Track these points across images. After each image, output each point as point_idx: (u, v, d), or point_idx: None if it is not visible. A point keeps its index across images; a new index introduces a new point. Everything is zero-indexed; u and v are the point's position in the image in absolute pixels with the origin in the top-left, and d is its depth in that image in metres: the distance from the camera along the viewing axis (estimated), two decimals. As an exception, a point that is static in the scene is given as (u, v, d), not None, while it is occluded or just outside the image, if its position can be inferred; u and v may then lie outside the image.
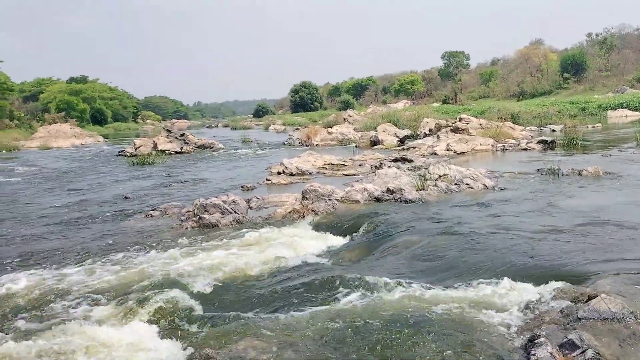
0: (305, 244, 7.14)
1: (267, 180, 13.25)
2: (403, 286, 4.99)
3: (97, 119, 64.21)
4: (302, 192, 9.50)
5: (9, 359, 4.05)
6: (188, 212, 9.43)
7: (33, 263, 6.85)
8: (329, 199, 9.09)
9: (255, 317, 4.63)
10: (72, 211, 10.71)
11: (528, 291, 4.63)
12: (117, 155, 25.06)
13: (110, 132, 58.14)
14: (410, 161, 13.67)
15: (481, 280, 5.00)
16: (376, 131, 24.21)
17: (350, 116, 36.61)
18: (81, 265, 6.56)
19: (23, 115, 50.09)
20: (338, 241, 7.35)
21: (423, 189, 9.61)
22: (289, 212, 8.85)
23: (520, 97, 54.67)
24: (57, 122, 47.40)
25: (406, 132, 23.83)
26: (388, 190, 9.42)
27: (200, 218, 8.63)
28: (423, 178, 10.06)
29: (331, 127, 29.34)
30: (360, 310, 4.52)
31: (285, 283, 5.40)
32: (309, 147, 23.84)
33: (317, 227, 8.08)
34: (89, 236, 8.37)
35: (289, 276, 5.74)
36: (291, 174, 14.09)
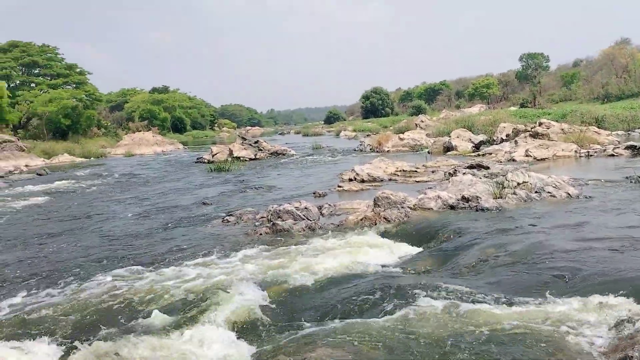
0: (377, 252, 7.08)
1: (339, 187, 13.29)
2: (480, 299, 4.81)
3: (177, 127, 67.27)
4: (374, 199, 9.43)
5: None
6: (262, 218, 9.64)
7: (116, 265, 7.25)
8: (402, 207, 8.97)
9: (328, 325, 4.63)
10: (154, 216, 11.25)
11: (619, 308, 4.32)
12: (196, 162, 26.09)
13: (189, 140, 60.67)
14: (487, 168, 13.22)
15: (566, 295, 4.73)
16: (450, 137, 23.66)
17: (422, 121, 36.04)
18: (159, 269, 6.85)
19: (110, 124, 53.45)
20: (411, 250, 7.23)
21: (501, 197, 9.25)
22: (361, 220, 8.82)
23: (605, 99, 51.47)
24: (140, 130, 50.19)
25: (481, 137, 23.10)
26: (463, 198, 9.16)
27: (273, 224, 8.78)
28: (501, 185, 9.69)
29: (403, 133, 29.02)
30: (435, 321, 4.41)
31: (357, 291, 5.36)
32: (380, 153, 23.70)
33: (389, 235, 7.99)
34: (169, 240, 8.75)
35: (361, 284, 5.70)
36: (362, 181, 14.05)
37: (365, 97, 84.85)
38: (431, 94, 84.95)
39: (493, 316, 4.44)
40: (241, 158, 25.59)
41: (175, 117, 66.54)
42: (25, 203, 14.06)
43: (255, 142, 28.46)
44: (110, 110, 61.74)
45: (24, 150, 31.54)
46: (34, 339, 4.76)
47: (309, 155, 26.84)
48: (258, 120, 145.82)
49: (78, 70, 53.52)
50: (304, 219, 9.08)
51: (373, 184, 13.69)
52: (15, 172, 25.05)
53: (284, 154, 27.55)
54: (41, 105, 40.25)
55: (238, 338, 4.59)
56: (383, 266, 6.40)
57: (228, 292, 5.49)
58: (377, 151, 25.34)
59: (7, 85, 42.79)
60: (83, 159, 33.49)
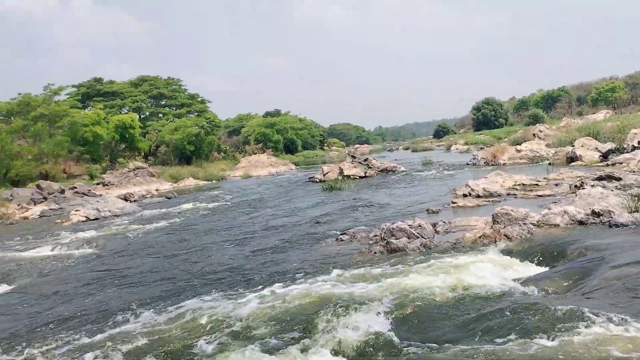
0: (498, 271, 6.75)
1: (453, 203, 12.90)
2: (623, 325, 4.37)
3: (289, 148, 69.79)
4: (493, 215, 9.02)
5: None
6: (375, 236, 9.62)
7: (234, 283, 7.62)
8: (524, 223, 8.48)
9: (455, 349, 4.47)
10: (270, 235, 11.69)
11: None
12: (308, 182, 26.80)
13: (301, 160, 62.54)
14: (618, 179, 12.09)
15: None
16: (573, 146, 22.02)
17: (541, 131, 33.92)
18: (276, 288, 7.06)
19: (228, 148, 56.75)
20: (536, 269, 6.79)
21: (637, 211, 8.41)
22: (479, 237, 8.47)
23: None
24: (256, 153, 52.74)
25: (609, 145, 21.20)
26: (593, 212, 8.46)
27: (387, 242, 8.72)
28: (636, 198, 8.81)
29: (519, 144, 27.56)
30: (567, 348, 4.08)
31: (481, 313, 5.13)
32: (496, 166, 22.68)
33: (510, 253, 7.59)
34: (284, 259, 9.04)
35: (482, 305, 5.45)
36: (478, 196, 13.51)
37: (477, 109, 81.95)
38: (549, 102, 79.82)
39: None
40: (351, 176, 25.83)
41: (287, 138, 69.08)
42: (157, 225, 15.30)
43: (365, 160, 28.60)
44: (229, 135, 65.63)
45: (154, 176, 34.46)
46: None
47: (419, 171, 26.42)
48: (366, 137, 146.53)
49: (199, 99, 57.81)
50: (418, 237, 8.92)
51: (490, 199, 13.12)
52: (148, 195, 27.40)
53: (393, 171, 27.37)
54: (168, 134, 43.88)
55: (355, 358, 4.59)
56: (506, 287, 6.07)
57: (346, 313, 5.52)
58: (491, 164, 24.28)
59: (138, 117, 47.28)
60: (206, 182, 35.84)
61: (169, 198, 25.20)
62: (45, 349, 5.61)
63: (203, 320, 6.00)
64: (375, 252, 8.55)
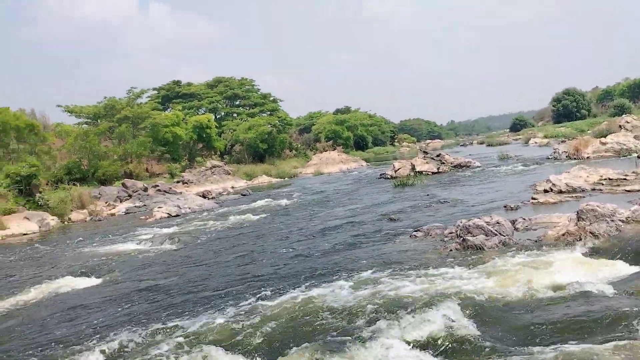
0: (584, 271, 6.43)
1: (533, 199, 12.38)
2: None
3: (360, 145, 69.66)
4: (577, 212, 8.58)
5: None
6: (450, 233, 9.44)
7: (307, 278, 7.73)
8: (611, 220, 8.01)
9: (537, 350, 4.33)
10: (342, 231, 11.76)
11: None
12: (379, 178, 26.66)
13: (371, 156, 62.26)
14: None
15: None
16: (666, 138, 20.45)
17: (628, 122, 31.74)
18: (347, 283, 7.11)
19: (299, 145, 57.56)
20: (627, 269, 6.41)
21: None
22: (562, 235, 8.09)
23: None
24: (326, 150, 53.09)
25: None
26: (691, 209, 7.84)
27: (463, 240, 8.54)
28: None
29: (604, 137, 25.92)
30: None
31: (565, 313, 4.92)
32: (579, 160, 21.50)
33: (597, 251, 7.21)
34: (357, 255, 9.06)
35: (569, 306, 5.22)
36: (560, 192, 12.89)
37: (557, 100, 77.86)
38: (636, 91, 74.52)
39: None
40: (423, 172, 25.43)
41: (357, 135, 68.99)
42: (234, 221, 15.80)
43: (437, 156, 28.05)
44: (300, 133, 66.53)
45: (229, 174, 35.58)
46: (236, 351, 5.33)
47: (495, 166, 25.54)
48: (438, 132, 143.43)
49: (271, 98, 59.01)
50: (496, 234, 8.65)
51: (573, 195, 12.47)
52: (224, 193, 28.38)
53: (467, 166, 26.63)
54: (242, 133, 45.13)
55: (435, 357, 4.54)
56: (595, 287, 5.77)
57: (420, 309, 5.47)
58: (574, 158, 23.04)
59: (214, 117, 48.98)
60: (278, 179, 36.57)
61: (244, 195, 25.95)
62: (131, 337, 5.97)
63: (284, 313, 6.18)
64: (450, 250, 8.39)
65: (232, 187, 31.51)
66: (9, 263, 12.27)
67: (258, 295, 7.11)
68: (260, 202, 20.28)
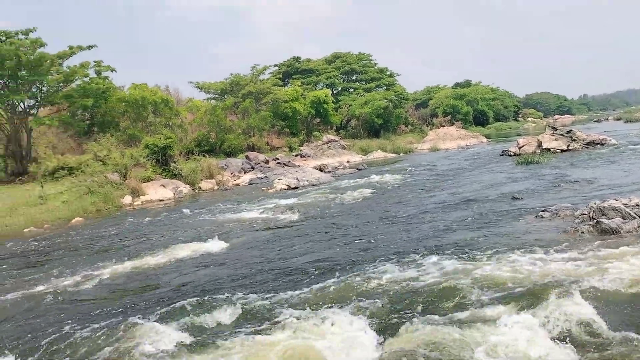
0: None
1: (681, 181, 11.12)
2: None
3: (480, 120, 66.74)
4: None
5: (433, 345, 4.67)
6: (582, 214, 8.83)
7: (428, 252, 7.68)
8: None
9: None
10: (462, 209, 11.47)
11: None
12: (501, 155, 25.45)
13: (492, 132, 59.48)
14: None
15: None
16: None
17: None
18: (467, 261, 6.96)
19: (416, 121, 56.52)
20: None
21: None
22: None
23: None
24: (443, 125, 51.63)
25: None
26: None
27: (597, 222, 7.95)
28: None
29: None
30: None
31: None
32: None
33: None
34: (478, 233, 8.81)
35: None
36: None
37: None
38: None
39: None
40: (551, 149, 23.81)
41: (477, 110, 66.14)
42: (351, 194, 16.05)
43: (568, 132, 26.04)
44: (416, 108, 65.22)
45: (345, 148, 36.04)
46: (351, 314, 5.50)
47: (634, 144, 23.18)
48: (568, 107, 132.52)
49: (388, 73, 58.36)
50: (635, 218, 7.94)
51: None
52: (340, 167, 28.86)
53: (602, 144, 24.45)
54: (358, 108, 45.33)
55: (563, 342, 4.35)
56: None
57: (550, 294, 5.23)
58: None
59: (331, 92, 49.64)
60: (393, 155, 36.35)
61: (359, 170, 26.19)
62: (258, 297, 6.40)
63: (402, 286, 6.26)
64: (582, 232, 7.86)
65: (348, 162, 31.92)
66: (149, 226, 13.63)
67: (378, 268, 7.23)
68: (375, 177, 20.35)
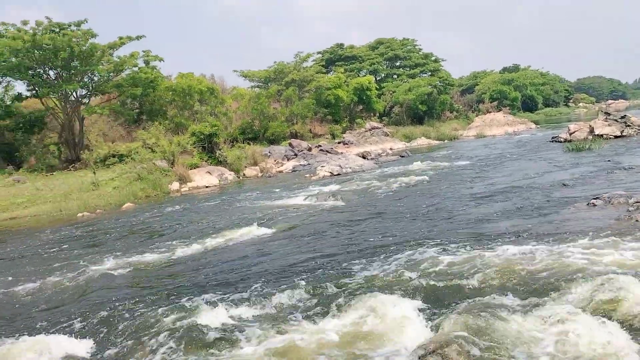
0: None
1: None
2: None
3: (528, 106, 64.75)
4: None
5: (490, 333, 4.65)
6: (637, 202, 8.49)
7: (476, 240, 7.58)
8: None
9: None
10: (511, 196, 11.21)
11: None
12: (550, 141, 24.68)
13: (541, 118, 57.67)
14: None
15: None
16: None
17: None
18: (518, 249, 6.82)
19: (461, 107, 55.37)
20: None
21: None
22: None
23: None
24: (490, 112, 50.38)
25: None
26: None
27: (654, 210, 7.63)
28: None
29: None
30: None
31: None
32: None
33: None
34: (526, 221, 8.62)
35: None
36: None
37: None
38: None
39: None
40: (604, 136, 22.89)
41: (525, 95, 64.17)
42: (394, 181, 15.95)
43: (622, 117, 24.94)
44: (461, 94, 63.84)
45: (388, 135, 35.76)
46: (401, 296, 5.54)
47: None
48: (622, 92, 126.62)
49: (433, 58, 57.30)
50: (695, 206, 7.58)
51: None
52: (383, 154, 28.68)
53: (657, 130, 23.31)
54: (402, 94, 44.77)
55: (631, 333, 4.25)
56: None
57: (604, 283, 5.09)
58: None
59: (374, 79, 49.21)
60: (437, 141, 35.82)
61: (402, 157, 25.98)
62: (306, 281, 6.50)
63: (444, 270, 6.23)
64: (637, 220, 7.57)
65: (391, 149, 31.68)
66: (196, 211, 13.99)
67: (427, 252, 7.21)
68: (419, 164, 20.14)
